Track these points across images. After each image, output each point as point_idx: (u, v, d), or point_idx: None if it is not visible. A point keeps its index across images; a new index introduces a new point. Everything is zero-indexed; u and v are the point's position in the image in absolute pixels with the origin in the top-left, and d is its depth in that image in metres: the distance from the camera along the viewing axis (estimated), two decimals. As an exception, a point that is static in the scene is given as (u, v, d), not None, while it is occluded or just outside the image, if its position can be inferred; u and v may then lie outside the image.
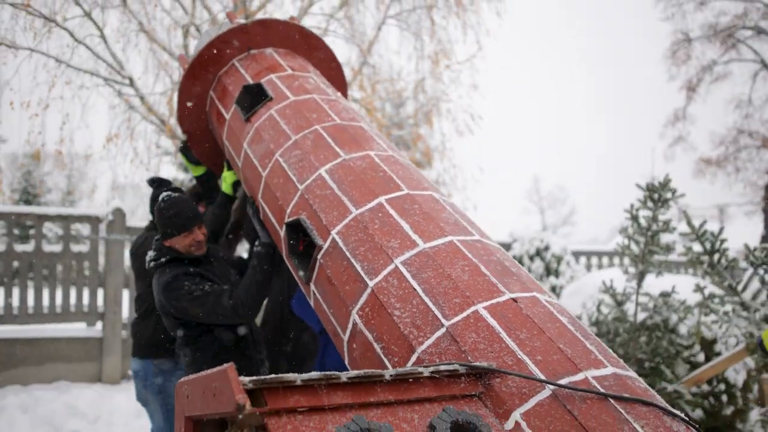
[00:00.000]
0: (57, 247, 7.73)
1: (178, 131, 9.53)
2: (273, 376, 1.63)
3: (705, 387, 5.23)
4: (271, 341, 3.97)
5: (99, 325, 7.62)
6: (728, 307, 5.36)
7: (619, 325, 5.71)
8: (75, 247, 7.78)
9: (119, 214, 7.81)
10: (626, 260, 6.71)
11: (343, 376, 1.74)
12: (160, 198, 3.39)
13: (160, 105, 9.54)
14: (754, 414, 5.09)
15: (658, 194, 5.30)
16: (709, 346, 5.58)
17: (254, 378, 1.56)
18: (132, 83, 8.85)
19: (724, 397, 5.18)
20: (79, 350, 7.34)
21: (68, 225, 7.77)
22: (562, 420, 1.83)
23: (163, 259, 3.30)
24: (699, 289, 5.16)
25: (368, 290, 2.38)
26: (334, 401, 1.71)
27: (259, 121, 3.50)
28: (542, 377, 1.89)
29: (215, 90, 3.95)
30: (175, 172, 15.27)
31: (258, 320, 4.09)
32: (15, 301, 7.26)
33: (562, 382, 1.89)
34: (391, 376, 1.80)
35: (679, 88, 25.73)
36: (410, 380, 1.84)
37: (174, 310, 3.19)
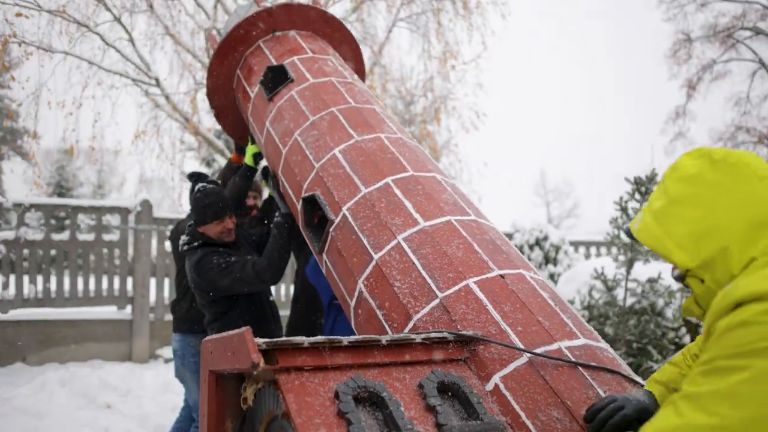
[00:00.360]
0: (90, 237, 7.86)
1: (201, 128, 9.75)
2: (284, 338, 1.73)
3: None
4: (305, 314, 4.14)
5: (128, 308, 7.78)
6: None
7: (610, 309, 5.84)
8: (106, 237, 7.90)
9: (147, 205, 7.95)
10: (615, 249, 6.81)
11: (345, 340, 1.83)
12: (196, 188, 3.56)
13: (184, 104, 9.70)
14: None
15: (645, 187, 5.45)
16: (694, 329, 5.71)
17: (267, 340, 1.67)
18: (158, 83, 9.01)
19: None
20: (110, 331, 7.51)
21: (100, 216, 7.90)
22: (535, 384, 1.95)
23: (195, 243, 3.50)
24: (677, 275, 5.30)
25: (373, 263, 2.48)
26: (336, 362, 1.82)
27: (281, 101, 3.58)
28: (521, 346, 2.00)
29: (242, 69, 4.04)
30: (198, 166, 15.47)
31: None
32: (53, 285, 7.45)
33: (538, 350, 2.00)
34: (386, 341, 1.90)
35: (679, 86, 25.42)
36: (403, 345, 1.93)
37: (205, 283, 3.38)
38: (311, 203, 3.04)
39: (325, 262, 2.92)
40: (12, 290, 7.13)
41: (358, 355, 1.86)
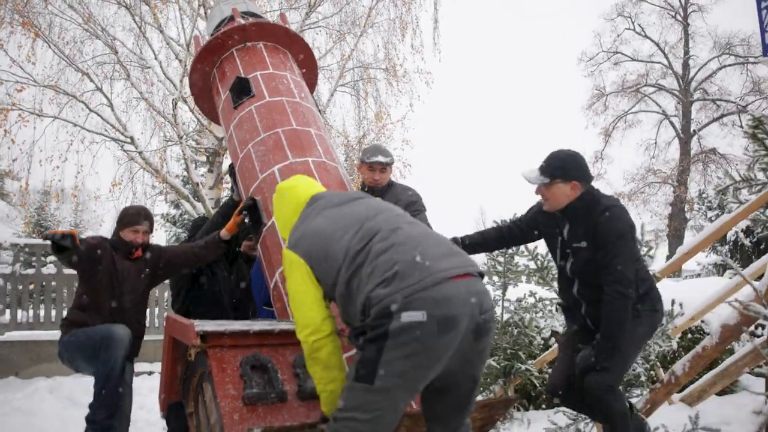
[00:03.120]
0: (73, 271, 8.50)
1: (169, 177, 10.80)
2: (214, 326, 2.55)
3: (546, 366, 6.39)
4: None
5: None
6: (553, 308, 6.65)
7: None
8: None
9: None
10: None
11: (252, 329, 2.65)
12: None
13: (154, 157, 10.71)
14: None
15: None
16: (548, 339, 6.81)
17: (203, 328, 2.53)
18: (132, 141, 10.04)
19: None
20: None
21: None
22: None
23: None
24: (532, 294, 6.47)
25: None
26: (245, 343, 2.63)
27: (243, 112, 4.01)
28: None
29: (218, 69, 4.45)
30: (167, 208, 16.39)
31: None
32: (42, 312, 8.13)
33: None
34: (278, 330, 2.72)
35: (597, 134, 27.44)
36: (289, 333, 2.60)
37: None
38: (254, 204, 3.59)
39: (259, 251, 3.53)
40: (8, 316, 7.81)
41: (259, 339, 2.68)
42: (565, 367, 3.38)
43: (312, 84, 4.92)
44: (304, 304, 2.34)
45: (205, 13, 9.79)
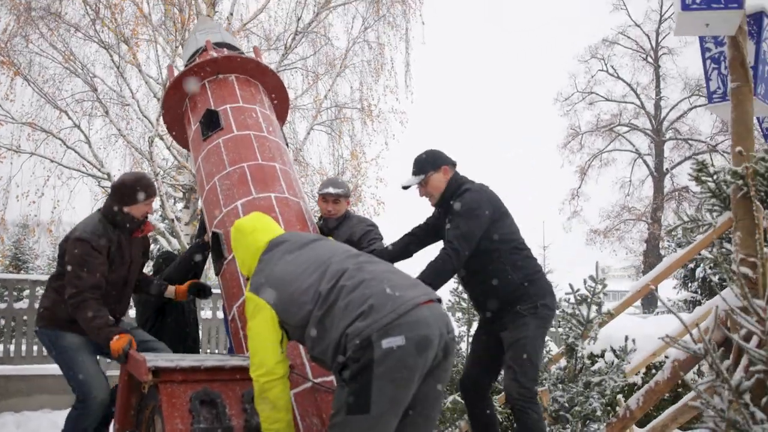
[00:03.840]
0: None
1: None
2: (166, 361, 2.68)
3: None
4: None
5: None
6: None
7: (457, 360, 7.06)
8: None
9: None
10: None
11: (204, 364, 2.76)
12: None
13: (132, 194, 10.75)
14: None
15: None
16: None
17: (155, 364, 2.65)
18: (109, 177, 10.15)
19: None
20: (58, 384, 8.13)
21: None
22: (310, 399, 2.93)
23: None
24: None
25: (242, 297, 3.15)
26: (196, 378, 2.73)
27: (211, 145, 4.08)
28: (310, 377, 2.96)
29: (190, 99, 4.51)
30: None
31: None
32: (12, 347, 8.09)
33: (318, 380, 2.94)
34: (229, 366, 2.83)
35: (573, 172, 27.97)
36: (239, 369, 2.80)
37: None
38: (216, 238, 3.73)
39: (220, 282, 3.68)
40: None
41: (211, 374, 2.80)
42: (469, 364, 3.69)
43: (283, 114, 4.99)
44: (262, 347, 2.53)
45: (184, 53, 9.99)
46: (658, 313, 16.64)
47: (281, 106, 4.86)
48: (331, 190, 4.16)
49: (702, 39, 5.69)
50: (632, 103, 27.12)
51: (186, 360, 2.79)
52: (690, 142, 26.17)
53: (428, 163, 3.58)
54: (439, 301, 2.56)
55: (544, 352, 4.48)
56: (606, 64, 27.12)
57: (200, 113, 4.27)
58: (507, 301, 3.42)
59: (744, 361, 3.22)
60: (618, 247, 26.60)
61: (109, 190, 3.79)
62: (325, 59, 12.23)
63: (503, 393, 5.19)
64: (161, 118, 11.07)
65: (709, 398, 3.22)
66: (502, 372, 3.59)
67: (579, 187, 27.54)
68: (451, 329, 2.50)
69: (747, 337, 3.31)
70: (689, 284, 13.94)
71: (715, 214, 5.33)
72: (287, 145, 4.57)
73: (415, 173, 3.59)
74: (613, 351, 6.46)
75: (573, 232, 25.33)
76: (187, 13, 9.83)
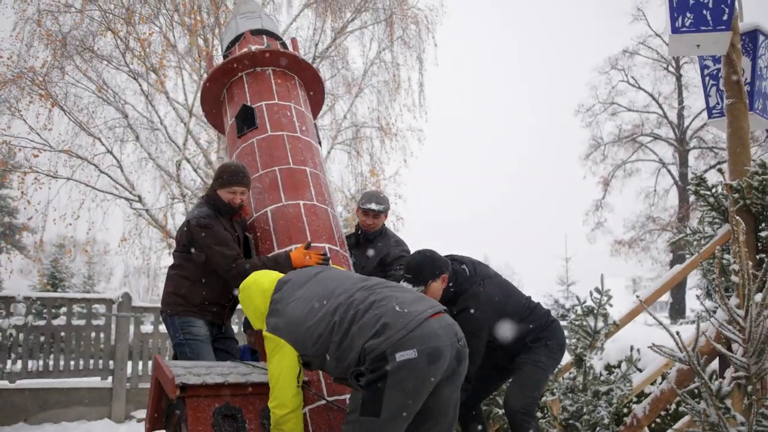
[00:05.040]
0: (81, 322, 8.82)
1: (173, 233, 11.28)
2: (194, 380, 2.80)
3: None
4: None
5: (110, 379, 8.71)
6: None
7: None
8: (94, 322, 8.84)
9: (127, 297, 9.05)
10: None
11: (227, 380, 2.93)
12: None
13: (160, 214, 11.27)
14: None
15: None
16: None
17: (183, 380, 2.79)
18: (140, 199, 10.62)
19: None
20: (95, 397, 8.48)
21: (90, 305, 9.00)
22: (324, 417, 3.05)
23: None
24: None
25: None
26: (220, 393, 2.89)
27: (246, 144, 4.14)
28: (325, 396, 3.10)
29: (228, 91, 4.53)
30: (170, 260, 16.76)
31: None
32: (51, 361, 8.43)
33: (331, 399, 3.08)
34: (251, 382, 2.99)
35: (596, 183, 27.70)
36: (259, 384, 2.96)
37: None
38: (245, 240, 3.87)
39: None
40: (19, 365, 8.14)
41: (234, 390, 2.98)
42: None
43: (319, 105, 5.02)
44: (281, 382, 2.75)
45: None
46: (681, 323, 16.52)
47: (317, 97, 4.87)
48: (373, 206, 4.31)
49: (701, 57, 5.87)
50: (655, 113, 26.90)
51: (212, 374, 2.96)
52: (715, 150, 25.87)
53: (427, 274, 3.40)
54: (446, 311, 2.75)
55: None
56: (627, 75, 27.02)
57: (237, 107, 4.31)
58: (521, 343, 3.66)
59: (732, 369, 3.37)
60: (644, 257, 26.33)
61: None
62: (342, 81, 12.59)
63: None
64: (191, 147, 11.69)
65: (694, 403, 3.42)
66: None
67: (603, 198, 27.32)
68: (461, 337, 2.69)
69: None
70: (711, 294, 13.84)
71: (715, 226, 5.50)
72: (320, 143, 4.62)
73: (414, 283, 3.36)
74: (620, 362, 6.57)
75: (597, 243, 25.12)
76: (210, 44, 10.27)
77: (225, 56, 4.78)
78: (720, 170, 4.93)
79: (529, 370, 3.59)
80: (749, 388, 3.19)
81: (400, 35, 12.32)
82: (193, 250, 3.75)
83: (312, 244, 3.62)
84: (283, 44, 4.87)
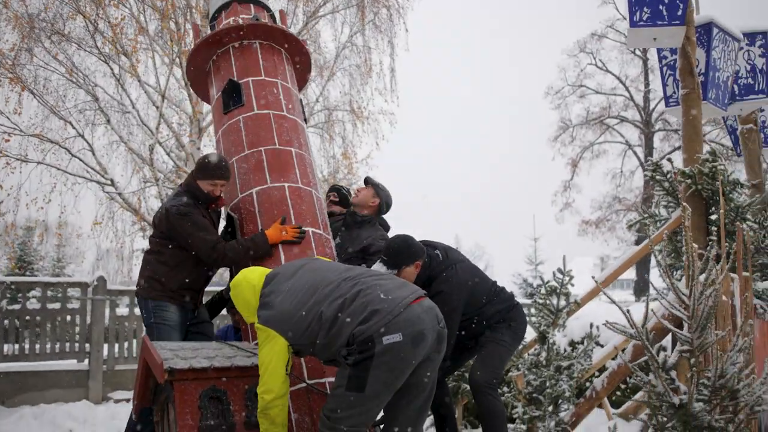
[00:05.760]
0: (56, 305, 8.86)
1: (147, 217, 11.33)
2: (181, 364, 2.86)
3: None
4: None
5: (86, 361, 8.72)
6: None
7: None
8: (69, 305, 8.87)
9: (102, 280, 9.02)
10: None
11: (213, 364, 2.93)
12: None
13: (133, 198, 11.26)
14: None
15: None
16: None
17: (171, 365, 2.83)
18: (113, 183, 10.59)
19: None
20: (71, 379, 8.52)
21: (65, 289, 9.02)
22: (303, 399, 3.18)
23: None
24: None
25: None
26: (206, 376, 2.95)
27: (232, 120, 4.09)
28: (306, 379, 3.24)
29: (214, 62, 4.47)
30: (143, 243, 16.82)
31: None
32: (27, 344, 8.47)
33: (311, 382, 3.24)
34: (235, 366, 3.04)
35: (565, 164, 28.18)
36: (243, 367, 3.04)
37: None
38: (230, 220, 3.92)
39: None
40: None
41: (219, 373, 3.04)
42: None
43: (304, 78, 4.99)
44: (271, 371, 2.87)
45: (181, 63, 10.44)
46: (643, 300, 17.04)
47: (303, 69, 4.85)
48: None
49: (659, 48, 6.16)
50: (622, 95, 27.39)
51: (198, 357, 3.06)
52: (679, 132, 26.23)
53: (401, 258, 3.57)
54: (426, 295, 2.94)
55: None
56: (595, 58, 27.43)
57: (223, 80, 4.26)
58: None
59: (679, 344, 3.65)
60: (610, 237, 26.95)
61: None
62: (315, 65, 12.64)
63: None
64: (163, 130, 11.61)
65: (643, 375, 3.71)
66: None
67: (571, 179, 27.83)
68: (441, 320, 2.87)
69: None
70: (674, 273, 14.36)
71: (670, 210, 5.82)
72: (305, 120, 4.58)
73: (389, 266, 3.53)
74: (583, 338, 6.90)
75: (566, 223, 25.63)
76: (182, 28, 10.25)
77: (212, 25, 4.76)
78: (670, 160, 5.21)
79: (492, 348, 3.83)
80: (692, 360, 3.48)
81: (372, 19, 12.42)
82: (170, 246, 3.88)
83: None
84: (272, 16, 4.87)
